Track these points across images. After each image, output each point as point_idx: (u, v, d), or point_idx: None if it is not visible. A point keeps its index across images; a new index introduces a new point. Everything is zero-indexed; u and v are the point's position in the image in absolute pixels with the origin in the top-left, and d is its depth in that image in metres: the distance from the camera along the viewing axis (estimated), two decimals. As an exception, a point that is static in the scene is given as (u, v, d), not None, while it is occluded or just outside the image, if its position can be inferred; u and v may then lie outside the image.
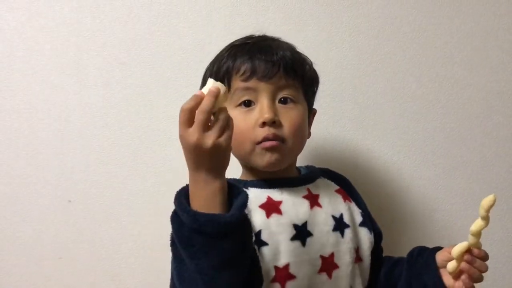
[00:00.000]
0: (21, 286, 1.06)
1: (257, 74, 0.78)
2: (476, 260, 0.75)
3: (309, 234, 0.79)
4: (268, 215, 0.78)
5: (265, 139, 0.77)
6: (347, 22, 1.06)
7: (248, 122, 0.78)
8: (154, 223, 1.06)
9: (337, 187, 0.87)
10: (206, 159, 0.65)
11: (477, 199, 1.04)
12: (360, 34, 1.06)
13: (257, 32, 0.86)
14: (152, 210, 1.06)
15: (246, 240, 0.70)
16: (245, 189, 0.73)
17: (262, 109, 0.78)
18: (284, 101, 0.80)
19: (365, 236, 0.85)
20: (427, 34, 1.06)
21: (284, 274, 0.76)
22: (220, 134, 0.65)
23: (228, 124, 0.66)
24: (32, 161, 1.05)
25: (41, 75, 1.04)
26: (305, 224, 0.79)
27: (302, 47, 0.86)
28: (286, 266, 0.76)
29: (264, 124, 0.77)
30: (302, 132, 0.82)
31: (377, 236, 0.88)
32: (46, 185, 1.05)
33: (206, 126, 0.64)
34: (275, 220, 0.78)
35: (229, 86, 0.80)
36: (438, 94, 1.07)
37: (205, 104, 0.64)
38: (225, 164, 0.68)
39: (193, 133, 0.64)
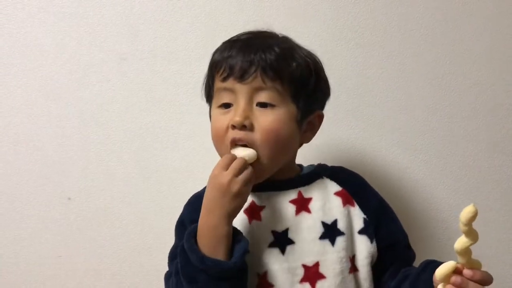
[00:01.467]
0: (20, 285, 1.05)
1: (233, 74, 0.76)
2: (468, 283, 0.64)
3: (290, 241, 0.77)
4: (250, 220, 0.78)
5: (232, 142, 0.76)
6: (353, 19, 1.04)
7: (222, 124, 0.77)
8: (155, 221, 1.05)
9: (339, 189, 0.82)
10: (226, 202, 0.71)
11: (485, 198, 1.05)
12: (366, 31, 1.04)
13: (262, 27, 0.84)
14: (153, 209, 1.05)
15: (243, 283, 0.73)
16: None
17: (235, 111, 0.76)
18: (262, 105, 0.76)
19: (363, 245, 0.80)
20: (433, 32, 1.05)
21: (263, 282, 0.76)
22: (245, 185, 0.72)
23: (250, 179, 0.73)
24: (32, 158, 1.04)
25: (41, 71, 1.03)
26: (285, 231, 0.77)
27: (306, 44, 0.84)
28: (265, 274, 0.76)
29: (234, 127, 0.75)
30: (279, 137, 0.76)
31: (387, 245, 0.81)
32: (46, 182, 1.04)
33: (238, 174, 0.72)
34: (255, 226, 0.78)
35: (212, 84, 0.80)
36: (445, 92, 1.05)
37: (242, 158, 0.73)
38: (236, 213, 0.73)
39: (227, 175, 0.71)
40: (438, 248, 1.06)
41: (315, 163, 0.88)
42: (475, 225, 0.62)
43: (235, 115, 0.75)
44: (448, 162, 1.05)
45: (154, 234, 1.05)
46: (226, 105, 0.77)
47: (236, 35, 0.82)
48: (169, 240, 1.03)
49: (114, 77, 1.04)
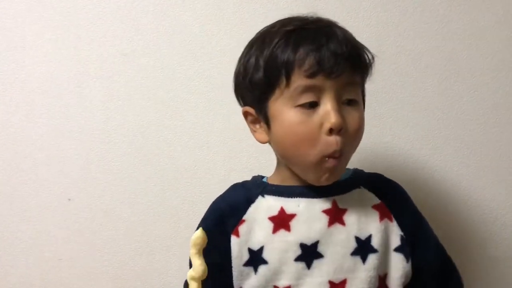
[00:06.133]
0: (19, 288, 1.04)
1: (324, 69, 0.67)
2: None
3: (319, 255, 0.72)
4: (275, 229, 0.73)
5: (333, 155, 0.69)
6: (364, 12, 1.00)
7: (310, 127, 0.68)
8: (157, 223, 1.03)
9: (377, 202, 0.76)
10: None
11: (503, 200, 1.01)
12: (378, 25, 1.00)
13: (310, 13, 0.76)
14: (155, 210, 1.03)
15: None
16: (260, 197, 0.75)
17: (328, 112, 0.67)
18: (348, 102, 0.70)
19: (398, 264, 0.74)
20: (449, 25, 1.01)
21: None
22: None
23: None
24: (31, 157, 1.02)
25: (40, 68, 1.01)
26: (315, 244, 0.72)
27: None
28: None
29: (331, 131, 0.68)
30: (361, 136, 0.73)
31: (420, 266, 0.76)
32: (45, 182, 1.03)
33: None
34: (281, 236, 0.73)
35: (287, 81, 0.69)
36: (461, 88, 1.01)
37: None
38: None
39: None
40: (454, 248, 1.02)
41: (357, 168, 0.82)
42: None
43: (330, 117, 0.67)
44: (464, 161, 1.02)
45: (157, 236, 1.02)
46: (311, 104, 0.69)
47: (292, 23, 0.72)
48: (172, 242, 1.02)
49: (115, 74, 1.01)
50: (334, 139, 0.68)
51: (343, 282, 0.72)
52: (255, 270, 0.73)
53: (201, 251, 0.60)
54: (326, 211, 0.73)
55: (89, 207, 1.03)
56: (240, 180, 1.00)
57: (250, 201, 0.76)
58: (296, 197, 0.74)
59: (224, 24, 1.00)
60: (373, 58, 0.74)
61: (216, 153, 1.02)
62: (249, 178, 0.84)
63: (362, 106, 0.74)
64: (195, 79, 1.01)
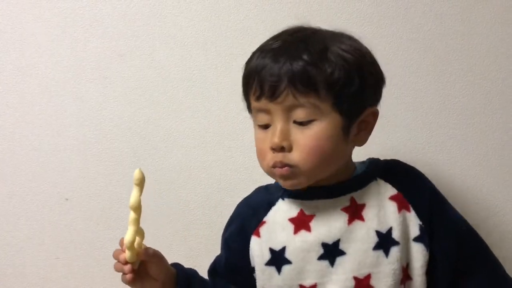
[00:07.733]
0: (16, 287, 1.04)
1: (264, 93, 0.70)
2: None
3: (341, 253, 0.73)
4: (296, 230, 0.75)
5: (274, 166, 0.72)
6: (358, 13, 1.01)
7: (264, 143, 0.73)
8: (154, 223, 1.03)
9: (394, 192, 0.76)
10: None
11: (494, 199, 1.01)
12: (371, 25, 1.01)
13: (305, 22, 0.76)
14: (152, 209, 1.03)
15: None
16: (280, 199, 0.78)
17: (273, 133, 0.71)
18: (298, 123, 0.70)
19: (418, 253, 0.75)
20: (441, 25, 1.01)
21: None
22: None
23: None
24: (28, 157, 1.03)
25: (36, 68, 1.02)
26: (337, 242, 0.74)
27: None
28: (313, 286, 0.74)
29: (273, 149, 0.71)
30: (320, 152, 0.70)
31: (443, 255, 0.76)
32: (42, 182, 1.03)
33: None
34: (302, 237, 0.74)
35: (247, 102, 0.75)
36: (453, 88, 1.01)
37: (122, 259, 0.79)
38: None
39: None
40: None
41: (373, 158, 0.82)
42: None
43: (272, 137, 0.71)
44: (457, 161, 1.02)
45: (153, 236, 1.00)
46: (265, 126, 0.73)
47: (271, 39, 0.74)
48: (169, 242, 1.03)
49: (112, 74, 1.02)
50: (275, 154, 0.71)
51: (368, 277, 0.73)
52: (278, 270, 0.75)
53: (137, 185, 0.71)
54: (345, 209, 0.75)
55: (86, 206, 1.03)
56: (236, 180, 1.02)
57: (271, 203, 0.79)
58: (314, 199, 0.76)
59: (219, 26, 1.00)
60: (334, 71, 0.69)
61: (212, 153, 1.03)
62: (245, 178, 0.86)
63: (327, 120, 0.70)
64: (191, 80, 1.01)
